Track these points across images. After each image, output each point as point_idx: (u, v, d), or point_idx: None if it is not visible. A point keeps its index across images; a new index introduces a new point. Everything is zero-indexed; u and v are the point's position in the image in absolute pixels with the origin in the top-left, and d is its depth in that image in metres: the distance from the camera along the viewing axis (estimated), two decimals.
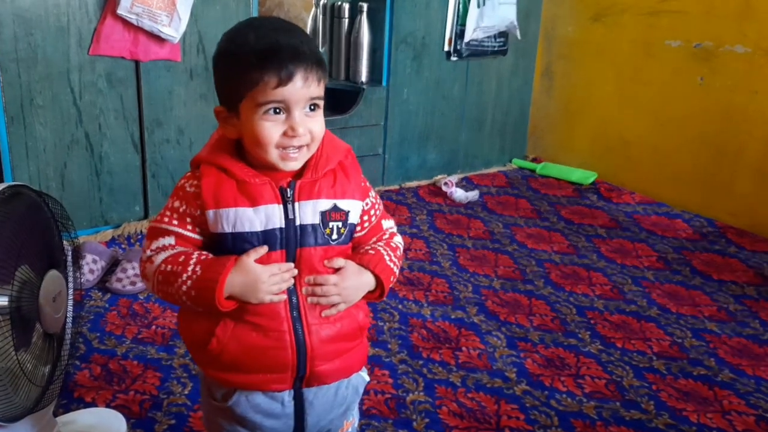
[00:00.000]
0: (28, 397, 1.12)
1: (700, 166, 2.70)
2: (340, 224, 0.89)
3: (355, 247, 0.97)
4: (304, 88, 0.83)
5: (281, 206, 0.86)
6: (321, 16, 2.92)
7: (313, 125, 0.85)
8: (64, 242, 1.29)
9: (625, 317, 1.93)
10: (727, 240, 2.49)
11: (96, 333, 1.74)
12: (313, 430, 0.96)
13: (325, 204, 0.89)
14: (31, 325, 1.15)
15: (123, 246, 2.21)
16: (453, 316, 1.90)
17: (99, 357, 1.63)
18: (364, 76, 2.82)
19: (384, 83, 2.81)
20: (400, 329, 1.82)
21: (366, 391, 1.53)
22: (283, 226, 0.86)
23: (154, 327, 1.78)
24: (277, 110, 0.84)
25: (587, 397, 1.57)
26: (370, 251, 0.95)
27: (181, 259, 0.85)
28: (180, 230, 0.88)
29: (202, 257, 0.86)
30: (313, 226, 0.88)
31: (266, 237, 0.86)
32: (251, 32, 0.84)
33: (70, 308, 1.29)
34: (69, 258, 1.30)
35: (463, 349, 1.74)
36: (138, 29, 2.10)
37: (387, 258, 0.95)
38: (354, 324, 0.95)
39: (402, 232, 2.46)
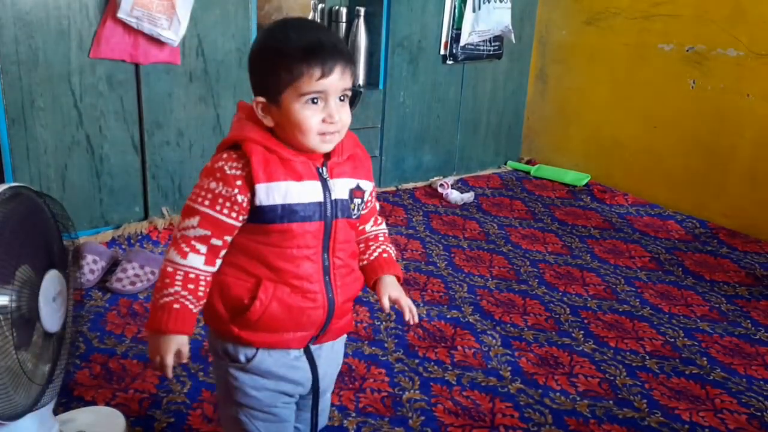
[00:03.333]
0: (28, 396, 1.13)
1: (692, 167, 2.73)
2: (359, 201, 1.02)
3: (360, 223, 1.09)
4: (340, 81, 0.93)
5: (320, 183, 0.97)
6: (319, 20, 2.95)
7: (343, 114, 0.95)
8: (65, 242, 1.31)
9: (618, 317, 1.96)
10: (719, 241, 2.51)
11: (96, 332, 1.75)
12: (323, 381, 1.08)
13: (352, 183, 1.01)
14: (32, 324, 1.16)
15: (123, 246, 2.22)
16: (448, 316, 1.92)
17: (99, 356, 1.65)
18: (361, 79, 2.84)
19: (381, 86, 2.83)
20: (397, 328, 1.84)
21: (362, 389, 1.56)
22: (323, 200, 0.97)
23: None
24: (315, 100, 0.93)
25: (581, 395, 1.59)
26: (388, 258, 1.10)
27: (166, 281, 0.95)
28: (208, 211, 0.94)
29: (172, 297, 0.95)
30: (343, 201, 0.99)
31: (312, 208, 0.96)
32: (291, 31, 0.94)
33: (70, 308, 1.31)
34: (69, 258, 1.32)
35: (459, 348, 1.76)
36: (138, 32, 2.12)
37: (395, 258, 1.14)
38: (360, 285, 1.07)
39: (398, 233, 2.50)
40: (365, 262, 1.09)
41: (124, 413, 1.42)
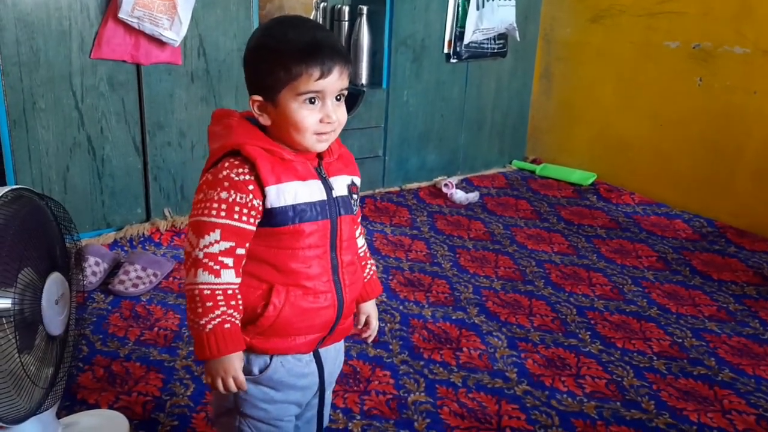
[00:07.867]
0: (32, 399, 1.13)
1: (699, 166, 2.71)
2: (356, 196, 1.04)
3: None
4: (338, 81, 0.94)
5: (320, 181, 0.98)
6: (321, 19, 2.93)
7: (340, 114, 0.96)
8: (67, 245, 1.30)
9: (625, 317, 1.94)
10: (726, 240, 2.49)
11: (99, 335, 1.74)
12: (327, 380, 1.09)
13: (347, 179, 1.03)
14: (34, 328, 1.15)
15: (125, 248, 2.22)
16: (454, 317, 1.91)
17: (102, 359, 1.64)
18: (364, 79, 2.83)
19: (384, 85, 2.82)
20: (401, 330, 1.82)
21: (367, 392, 1.54)
22: (325, 198, 0.97)
23: (156, 329, 1.78)
24: (313, 100, 0.93)
25: (588, 397, 1.57)
26: (376, 278, 1.16)
27: (208, 304, 0.91)
28: (228, 222, 0.91)
29: (221, 319, 0.91)
30: (344, 197, 1.01)
31: (318, 207, 0.96)
32: (289, 29, 0.94)
33: (72, 310, 1.30)
34: (71, 260, 1.31)
35: (464, 349, 1.74)
36: (139, 33, 2.11)
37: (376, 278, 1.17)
38: (361, 284, 1.09)
39: (403, 234, 2.49)
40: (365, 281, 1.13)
41: (128, 416, 1.42)
